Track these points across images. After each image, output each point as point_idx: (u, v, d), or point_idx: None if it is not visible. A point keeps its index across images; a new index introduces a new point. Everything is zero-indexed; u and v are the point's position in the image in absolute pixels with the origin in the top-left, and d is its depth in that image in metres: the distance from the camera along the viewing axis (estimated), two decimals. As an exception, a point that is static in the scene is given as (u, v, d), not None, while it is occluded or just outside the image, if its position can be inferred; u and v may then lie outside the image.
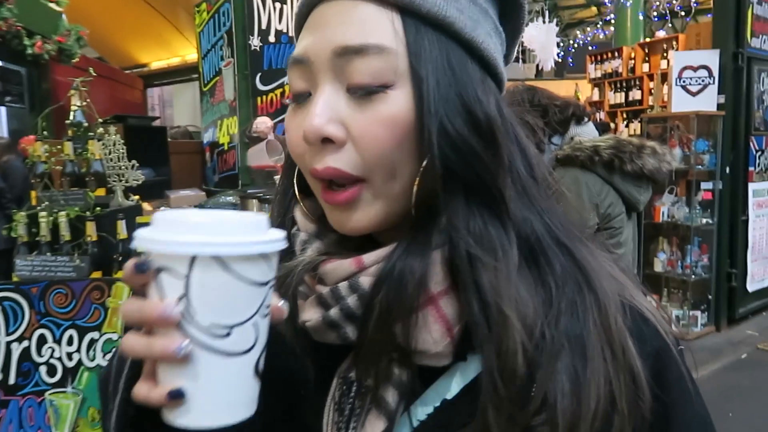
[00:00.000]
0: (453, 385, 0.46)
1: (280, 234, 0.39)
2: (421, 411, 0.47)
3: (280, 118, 3.68)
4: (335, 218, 0.48)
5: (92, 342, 2.22)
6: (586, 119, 1.91)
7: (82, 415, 2.22)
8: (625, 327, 0.45)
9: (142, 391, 0.39)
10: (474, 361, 0.46)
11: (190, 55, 10.33)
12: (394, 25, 0.45)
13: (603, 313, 0.45)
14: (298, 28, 0.51)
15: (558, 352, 0.43)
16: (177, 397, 0.37)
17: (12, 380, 2.20)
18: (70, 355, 2.22)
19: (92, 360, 2.22)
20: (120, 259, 2.37)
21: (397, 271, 0.44)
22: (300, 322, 0.48)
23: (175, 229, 0.36)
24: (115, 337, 2.21)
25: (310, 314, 0.47)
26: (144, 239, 0.37)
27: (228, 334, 0.37)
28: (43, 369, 2.22)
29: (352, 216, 0.47)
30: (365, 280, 0.45)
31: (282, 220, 0.55)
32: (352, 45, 0.44)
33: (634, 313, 0.47)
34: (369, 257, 0.46)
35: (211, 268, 0.36)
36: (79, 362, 2.22)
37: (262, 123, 3.03)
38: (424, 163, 0.44)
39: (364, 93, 0.45)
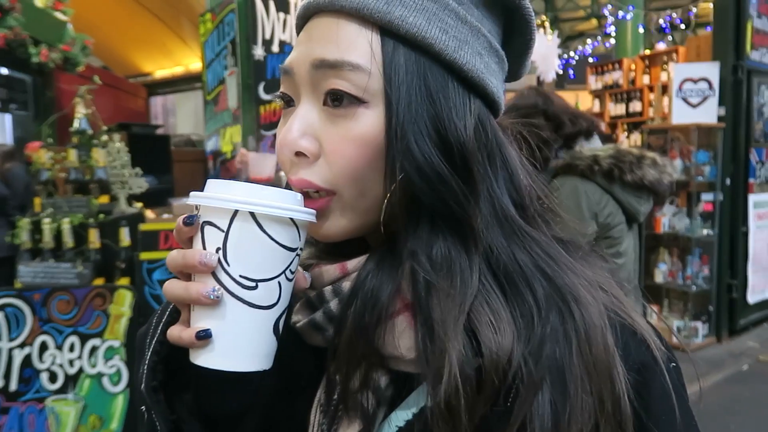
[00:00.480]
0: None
1: (310, 210, 0.44)
2: (400, 417, 0.47)
3: (283, 127, 3.71)
4: (310, 225, 0.51)
5: (94, 349, 2.23)
6: (594, 134, 1.90)
7: (82, 422, 2.23)
8: (615, 353, 0.44)
9: (175, 331, 0.44)
10: None
11: (194, 64, 10.39)
12: (371, 45, 0.46)
13: (584, 341, 0.44)
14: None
15: (538, 382, 0.42)
16: (204, 337, 0.42)
17: (13, 387, 2.21)
18: (71, 362, 2.23)
19: (93, 367, 2.22)
20: (122, 266, 2.38)
21: (366, 288, 0.46)
22: (291, 323, 0.50)
23: (222, 191, 0.42)
24: (116, 344, 2.22)
25: (300, 316, 0.50)
26: (196, 196, 0.43)
27: (255, 287, 0.42)
28: (44, 375, 2.22)
29: (323, 224, 0.48)
30: (347, 285, 0.47)
31: None
32: (327, 59, 0.46)
33: (623, 328, 0.46)
34: (352, 263, 0.48)
35: (247, 225, 0.41)
36: (81, 369, 2.23)
37: (241, 156, 3.04)
38: (393, 186, 0.45)
39: (337, 104, 0.46)
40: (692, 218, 4.43)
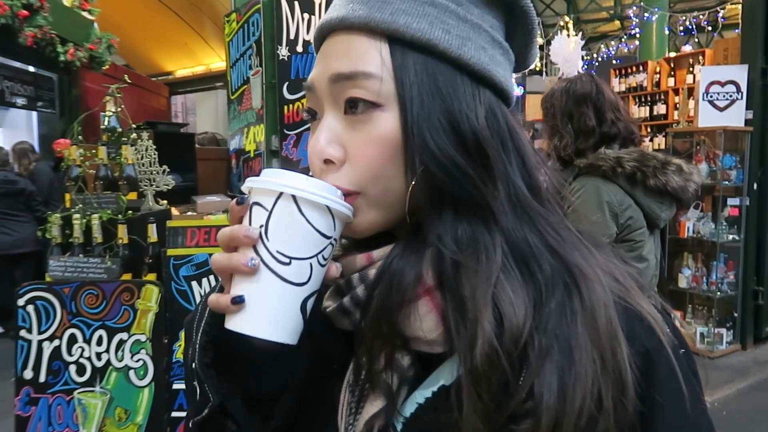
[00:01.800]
0: (452, 372, 0.49)
1: (347, 204, 0.49)
2: (421, 395, 0.50)
3: (307, 126, 3.72)
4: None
5: (121, 343, 2.26)
6: (631, 146, 1.88)
7: (109, 415, 2.26)
8: (619, 327, 0.46)
9: (214, 297, 0.48)
10: None
11: (215, 63, 10.49)
12: (381, 54, 0.50)
13: (590, 314, 0.47)
14: None
15: (546, 352, 0.45)
16: (238, 302, 0.46)
17: (42, 378, 2.25)
18: (99, 355, 2.26)
19: (120, 360, 2.25)
20: (150, 261, 2.41)
21: (392, 269, 0.49)
22: (322, 308, 0.54)
23: (272, 177, 0.47)
24: (143, 338, 2.24)
25: (330, 302, 0.54)
26: (249, 180, 0.48)
27: (289, 263, 0.46)
28: (72, 368, 2.26)
29: (353, 221, 0.52)
30: (372, 272, 0.51)
31: None
32: (343, 72, 0.50)
33: (629, 313, 0.48)
34: (377, 252, 0.52)
35: (288, 206, 0.46)
36: (108, 362, 2.26)
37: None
38: (414, 179, 0.49)
39: (355, 110, 0.50)
40: (717, 223, 4.36)
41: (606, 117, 1.84)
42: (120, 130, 2.70)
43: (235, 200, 0.49)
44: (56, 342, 2.25)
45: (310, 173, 0.52)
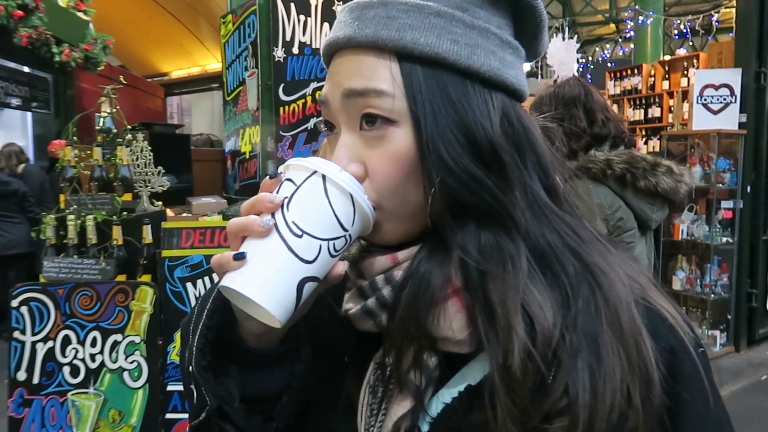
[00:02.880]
0: (478, 372, 0.50)
1: (369, 202, 0.49)
2: (447, 395, 0.50)
3: (303, 127, 3.73)
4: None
5: (115, 344, 2.25)
6: (621, 147, 1.89)
7: (102, 416, 2.25)
8: (642, 325, 0.47)
9: (217, 256, 0.48)
10: None
11: (210, 65, 10.48)
12: (391, 71, 0.50)
13: (613, 311, 0.47)
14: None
15: (577, 350, 0.46)
16: (239, 258, 0.46)
17: (36, 380, 2.24)
18: (93, 357, 2.25)
19: (114, 362, 2.25)
20: (144, 262, 2.40)
21: (420, 272, 0.49)
22: (343, 311, 0.54)
23: (311, 160, 0.49)
24: (137, 340, 2.24)
25: (351, 304, 0.53)
26: (288, 161, 0.50)
27: (300, 236, 0.47)
28: (66, 369, 2.25)
29: (376, 234, 0.52)
30: (398, 274, 0.51)
31: None
32: (355, 89, 0.50)
33: (650, 313, 0.49)
34: (402, 254, 0.52)
35: (316, 184, 0.48)
36: (102, 364, 2.25)
37: None
38: (432, 191, 0.49)
39: (371, 126, 0.50)
40: (711, 225, 4.38)
41: (597, 117, 1.86)
42: (115, 131, 2.69)
43: (268, 176, 0.50)
44: (50, 343, 2.24)
45: None
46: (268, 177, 0.50)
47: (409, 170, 0.49)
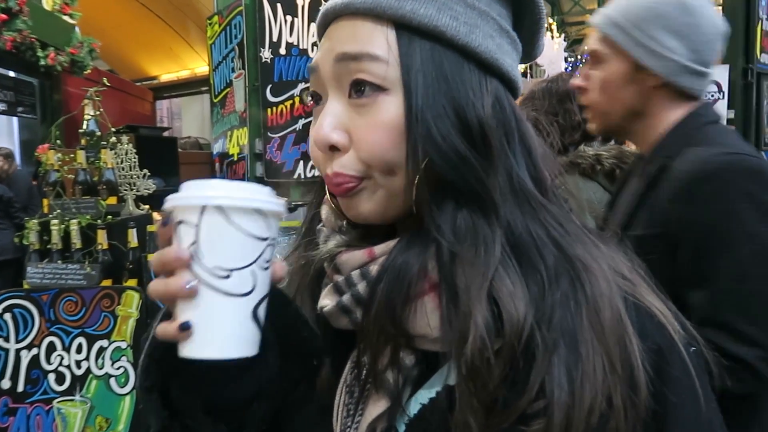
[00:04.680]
0: (454, 371, 0.47)
1: (278, 199, 0.46)
2: (425, 395, 0.49)
3: (291, 128, 3.70)
4: (344, 205, 0.53)
5: (101, 350, 2.21)
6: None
7: (89, 424, 2.21)
8: (627, 323, 0.45)
9: (161, 327, 0.45)
10: None
11: (200, 68, 10.42)
12: (387, 39, 0.49)
13: (594, 307, 0.45)
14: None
15: (553, 347, 0.44)
16: (185, 328, 0.44)
17: (20, 388, 2.20)
18: (78, 363, 2.22)
19: (101, 368, 2.21)
20: (130, 267, 2.37)
21: (397, 264, 0.48)
22: (318, 308, 0.53)
23: (191, 191, 0.45)
24: (123, 345, 2.20)
25: (328, 300, 0.52)
26: (169, 199, 0.45)
27: (228, 276, 0.44)
28: (51, 377, 2.21)
29: (353, 204, 0.51)
30: (374, 269, 0.49)
31: (312, 216, 0.60)
32: (349, 52, 0.49)
33: (638, 309, 0.47)
34: (379, 248, 0.50)
35: (215, 217, 0.44)
36: (88, 370, 2.22)
37: None
38: (421, 167, 0.47)
39: (360, 95, 0.49)
40: (701, 222, 4.39)
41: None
42: (99, 133, 2.66)
43: (160, 221, 0.46)
44: (34, 350, 2.20)
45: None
46: (161, 224, 0.46)
47: (396, 140, 0.48)
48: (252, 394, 0.52)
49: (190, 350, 0.45)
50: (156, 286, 0.45)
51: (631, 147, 1.86)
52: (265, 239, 0.46)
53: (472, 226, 0.47)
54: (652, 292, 0.50)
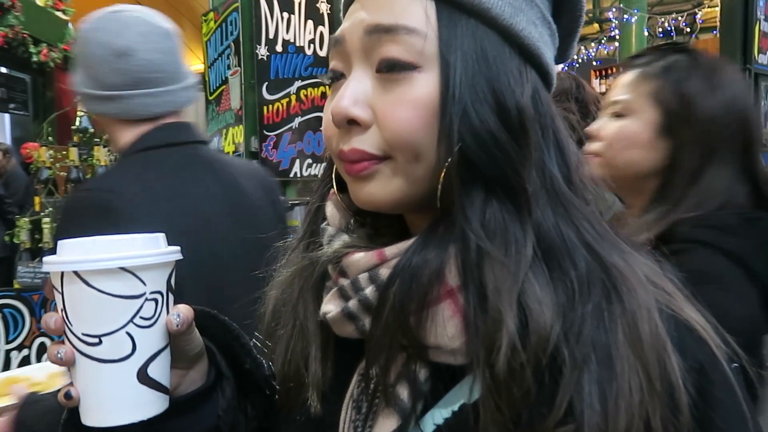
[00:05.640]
0: (474, 388, 0.43)
1: (162, 249, 0.43)
2: (440, 415, 0.44)
3: (287, 127, 3.67)
4: (353, 189, 0.48)
5: (93, 351, 2.18)
6: None
7: (81, 427, 2.18)
8: (666, 338, 0.42)
9: (59, 396, 0.44)
10: None
11: (194, 66, 10.37)
12: (426, 11, 0.45)
13: (631, 320, 0.41)
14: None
15: (583, 361, 0.40)
16: (67, 398, 0.43)
17: (10, 389, 2.16)
18: (70, 365, 2.18)
19: (93, 370, 2.18)
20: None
21: (412, 263, 0.43)
22: (321, 314, 0.48)
23: (59, 252, 0.42)
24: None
25: (330, 306, 0.47)
26: (44, 262, 0.43)
27: (99, 342, 0.42)
28: (42, 378, 2.17)
29: (366, 187, 0.46)
30: (385, 272, 0.45)
31: (315, 213, 0.55)
32: (383, 23, 0.45)
33: (677, 323, 0.44)
34: (391, 249, 0.46)
35: (75, 283, 0.41)
36: (80, 372, 2.18)
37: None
38: (454, 150, 0.43)
39: (391, 71, 0.45)
40: (699, 222, 4.39)
41: (590, 109, 1.87)
42: (92, 130, 2.62)
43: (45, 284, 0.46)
44: (25, 351, 2.16)
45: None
46: (44, 287, 0.46)
47: (426, 120, 0.44)
48: (213, 425, 0.50)
49: (84, 418, 0.43)
50: (49, 350, 0.44)
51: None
52: (139, 296, 0.42)
53: (503, 222, 0.43)
54: (689, 304, 0.46)
